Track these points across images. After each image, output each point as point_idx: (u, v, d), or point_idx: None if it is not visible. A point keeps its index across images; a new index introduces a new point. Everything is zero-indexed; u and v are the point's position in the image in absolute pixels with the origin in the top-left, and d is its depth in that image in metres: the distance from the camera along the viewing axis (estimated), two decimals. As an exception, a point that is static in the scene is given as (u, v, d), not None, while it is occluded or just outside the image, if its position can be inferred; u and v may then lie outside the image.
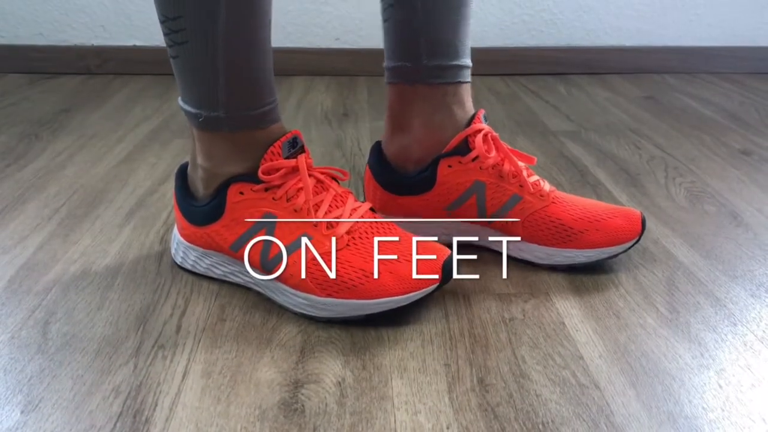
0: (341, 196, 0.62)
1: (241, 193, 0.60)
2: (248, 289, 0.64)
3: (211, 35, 0.55)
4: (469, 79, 0.70)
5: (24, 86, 1.43)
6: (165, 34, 0.57)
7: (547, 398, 0.50)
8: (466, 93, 0.69)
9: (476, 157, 0.67)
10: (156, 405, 0.49)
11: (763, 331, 0.59)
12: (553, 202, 0.67)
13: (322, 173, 0.63)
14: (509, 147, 0.69)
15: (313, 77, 1.54)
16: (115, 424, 0.47)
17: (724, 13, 1.60)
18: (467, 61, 0.69)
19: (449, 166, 0.68)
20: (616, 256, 0.67)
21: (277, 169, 0.60)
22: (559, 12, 1.58)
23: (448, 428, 0.47)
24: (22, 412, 0.48)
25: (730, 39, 1.63)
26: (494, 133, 0.69)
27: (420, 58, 0.67)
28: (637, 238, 0.66)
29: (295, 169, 0.61)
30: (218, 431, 0.47)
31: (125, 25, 1.53)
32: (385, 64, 0.71)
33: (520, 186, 0.67)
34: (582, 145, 1.08)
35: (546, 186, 0.68)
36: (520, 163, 0.68)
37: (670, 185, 0.91)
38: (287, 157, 0.61)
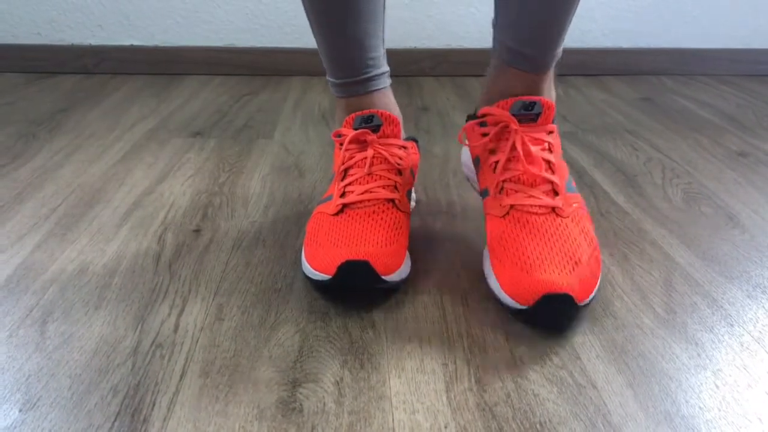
0: (375, 175, 0.67)
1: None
2: (246, 288, 0.64)
3: (307, 2, 0.66)
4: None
5: (21, 85, 1.42)
6: None
7: (545, 398, 0.50)
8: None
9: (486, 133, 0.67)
10: (154, 404, 0.49)
11: (760, 332, 0.59)
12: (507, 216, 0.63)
13: (380, 154, 0.68)
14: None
15: (310, 77, 1.54)
16: (113, 423, 0.47)
17: (720, 16, 1.61)
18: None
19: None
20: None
21: (340, 137, 0.69)
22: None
23: (446, 427, 0.47)
24: (20, 410, 0.48)
25: (726, 41, 1.63)
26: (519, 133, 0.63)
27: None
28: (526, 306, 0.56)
29: (351, 140, 0.68)
30: (216, 430, 0.47)
31: (123, 25, 1.53)
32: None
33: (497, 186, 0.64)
34: (579, 146, 1.08)
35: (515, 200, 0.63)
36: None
37: (667, 186, 0.92)
38: (356, 129, 0.68)
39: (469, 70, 1.57)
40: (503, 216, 0.63)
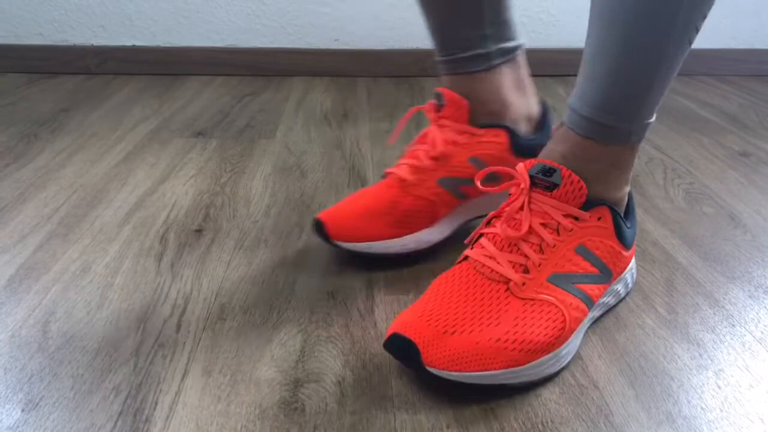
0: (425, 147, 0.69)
1: None
2: (248, 288, 0.64)
3: None
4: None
5: (23, 86, 1.42)
6: None
7: (547, 398, 0.50)
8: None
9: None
10: (156, 404, 0.49)
11: (761, 332, 0.59)
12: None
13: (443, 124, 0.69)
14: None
15: (312, 78, 1.54)
16: (115, 423, 0.47)
17: (722, 16, 1.60)
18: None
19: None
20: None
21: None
22: (558, 14, 1.58)
23: (448, 428, 0.47)
24: (22, 410, 0.48)
25: (728, 41, 1.63)
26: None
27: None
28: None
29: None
30: (218, 430, 0.47)
31: (125, 25, 1.53)
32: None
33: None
34: (581, 146, 1.08)
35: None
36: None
37: (668, 186, 0.91)
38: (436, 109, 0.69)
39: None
40: (459, 262, 0.57)
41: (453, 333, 0.49)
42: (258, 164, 0.98)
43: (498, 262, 0.54)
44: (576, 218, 0.54)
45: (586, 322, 0.56)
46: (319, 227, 0.66)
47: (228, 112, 1.26)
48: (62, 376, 0.52)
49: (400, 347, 0.50)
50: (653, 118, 0.55)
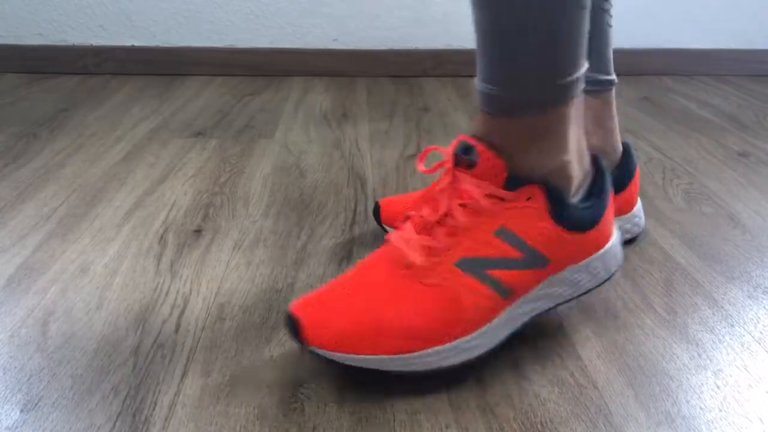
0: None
1: None
2: (248, 288, 0.64)
3: None
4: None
5: (23, 86, 1.42)
6: None
7: (546, 398, 0.50)
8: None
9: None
10: (155, 404, 0.49)
11: (760, 332, 0.59)
12: None
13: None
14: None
15: (311, 77, 1.55)
16: (114, 423, 0.47)
17: (722, 16, 1.60)
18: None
19: None
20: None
21: None
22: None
23: (447, 428, 0.47)
24: (21, 410, 0.48)
25: (727, 41, 1.63)
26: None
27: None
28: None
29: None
30: (218, 430, 0.47)
31: (124, 25, 1.53)
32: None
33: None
34: (580, 146, 1.08)
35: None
36: None
37: (667, 187, 0.92)
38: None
39: (470, 70, 1.56)
40: (381, 244, 0.56)
41: (341, 314, 0.49)
42: (257, 164, 0.98)
43: (409, 246, 0.52)
44: (501, 199, 0.51)
45: (508, 313, 0.52)
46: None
47: (227, 112, 1.26)
48: (61, 377, 0.52)
49: (290, 326, 0.50)
50: (572, 78, 0.50)
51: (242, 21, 1.54)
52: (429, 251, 0.51)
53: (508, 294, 0.52)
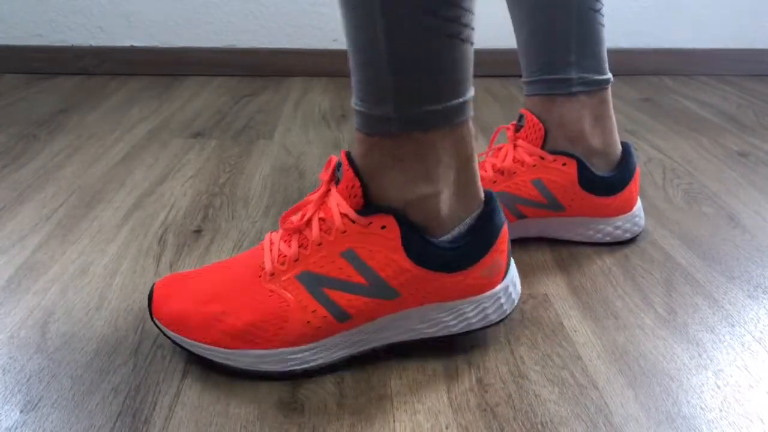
0: None
1: None
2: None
3: None
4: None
5: (22, 86, 1.42)
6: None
7: (546, 398, 0.50)
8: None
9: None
10: (155, 404, 0.49)
11: (761, 332, 0.59)
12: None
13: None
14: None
15: (310, 78, 1.54)
16: (114, 424, 0.47)
17: (721, 16, 1.61)
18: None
19: None
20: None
21: None
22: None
23: (447, 428, 0.47)
24: (21, 411, 0.48)
25: (727, 41, 1.63)
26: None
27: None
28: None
29: None
30: (218, 430, 0.47)
31: (123, 26, 1.53)
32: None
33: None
34: (580, 146, 1.08)
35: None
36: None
37: (667, 186, 0.92)
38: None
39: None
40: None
41: (187, 297, 0.52)
42: (257, 165, 0.98)
43: (271, 249, 0.53)
44: (353, 221, 0.49)
45: (343, 336, 0.51)
46: None
47: (226, 112, 1.26)
48: (61, 377, 0.52)
49: (148, 296, 0.55)
50: (440, 107, 0.48)
51: (241, 21, 1.54)
52: (280, 258, 0.52)
53: (343, 318, 0.50)
